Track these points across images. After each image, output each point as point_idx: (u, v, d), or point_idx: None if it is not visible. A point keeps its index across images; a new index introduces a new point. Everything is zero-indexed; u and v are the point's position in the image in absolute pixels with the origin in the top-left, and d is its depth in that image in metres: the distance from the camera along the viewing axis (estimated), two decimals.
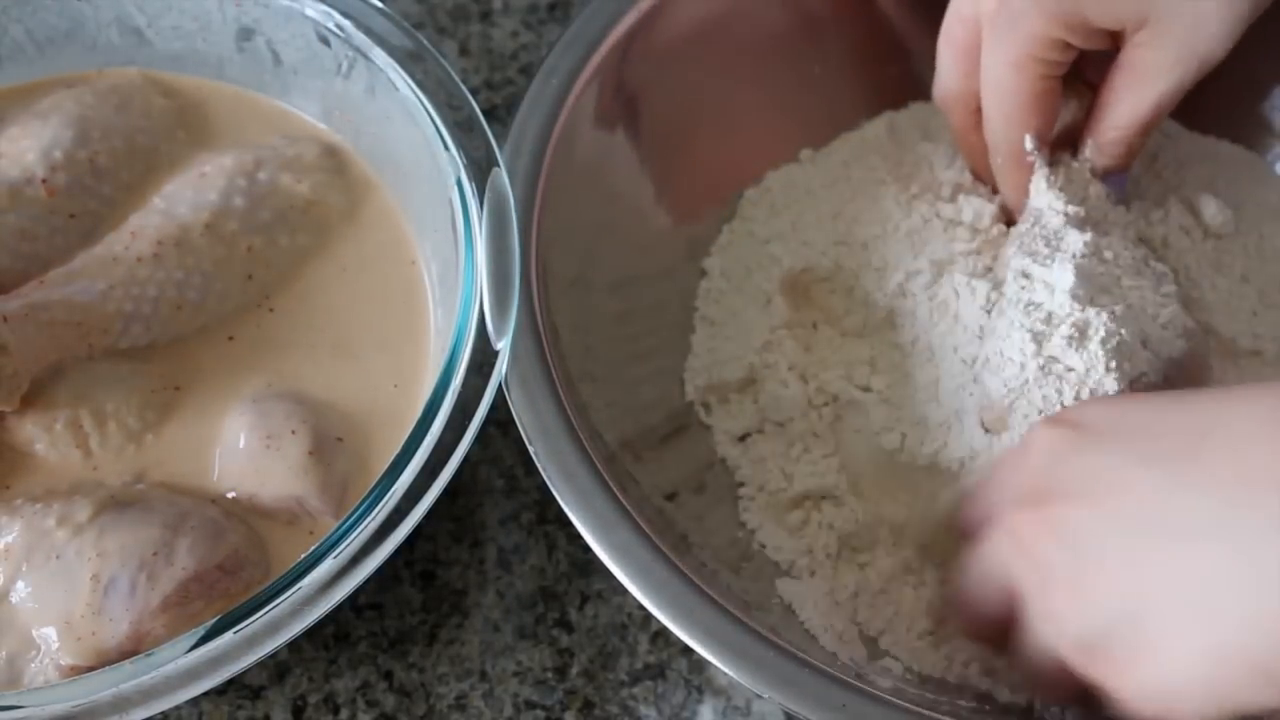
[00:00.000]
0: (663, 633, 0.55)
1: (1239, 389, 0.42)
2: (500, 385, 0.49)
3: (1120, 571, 0.40)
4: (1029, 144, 0.53)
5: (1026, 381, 0.50)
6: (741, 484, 0.55)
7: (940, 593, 0.52)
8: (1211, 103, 0.57)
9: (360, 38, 0.55)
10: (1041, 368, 0.50)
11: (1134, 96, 0.52)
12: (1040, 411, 0.50)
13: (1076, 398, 0.49)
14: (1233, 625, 0.38)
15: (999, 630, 0.46)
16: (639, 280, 0.58)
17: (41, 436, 0.50)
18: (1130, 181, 0.57)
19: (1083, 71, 0.56)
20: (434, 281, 0.55)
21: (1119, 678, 0.41)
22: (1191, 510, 0.39)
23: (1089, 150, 0.55)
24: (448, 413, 0.47)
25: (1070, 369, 0.49)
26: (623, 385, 0.55)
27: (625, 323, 0.57)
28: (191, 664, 0.43)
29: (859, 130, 0.63)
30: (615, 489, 0.49)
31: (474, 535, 0.57)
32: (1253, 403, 0.40)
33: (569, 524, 0.48)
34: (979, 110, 0.55)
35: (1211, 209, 0.58)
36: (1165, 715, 0.40)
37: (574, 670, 0.54)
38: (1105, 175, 0.55)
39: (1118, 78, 0.53)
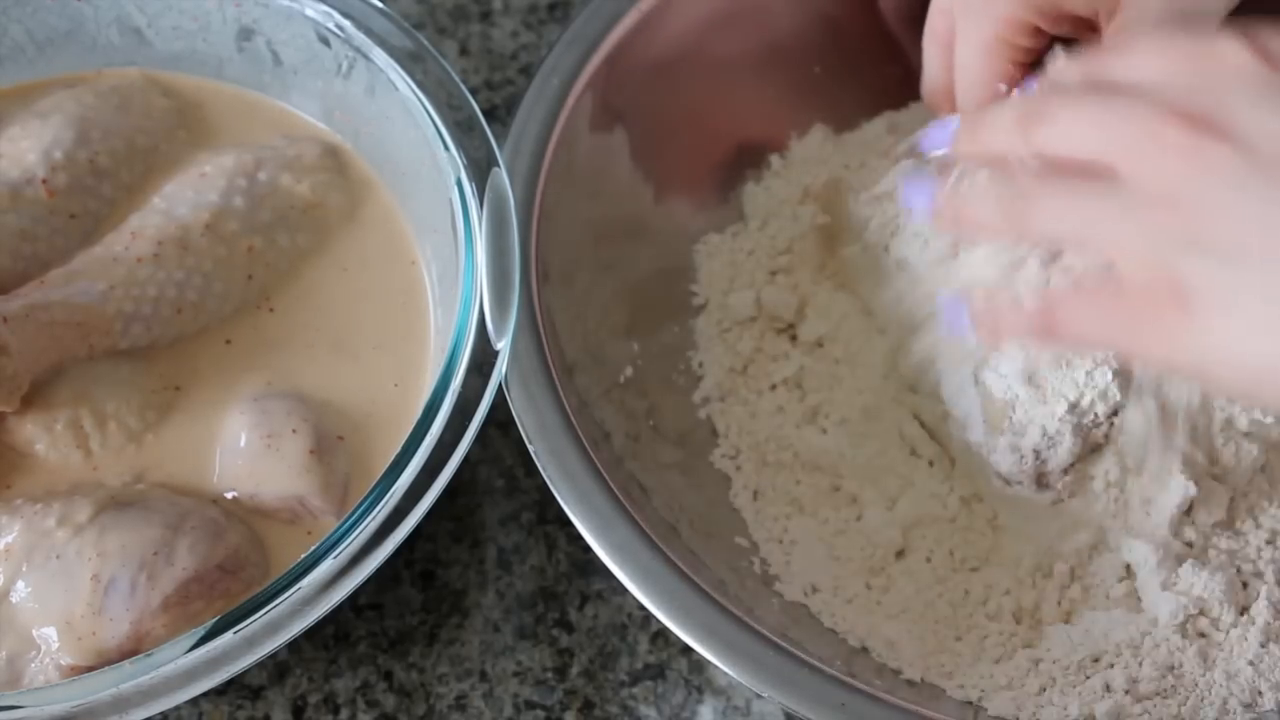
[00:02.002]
0: (663, 633, 0.55)
1: None
2: (500, 385, 0.49)
3: (1246, 225, 0.39)
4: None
5: None
6: (742, 485, 0.55)
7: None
8: None
9: (360, 38, 0.55)
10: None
11: None
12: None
13: None
14: None
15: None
16: (640, 280, 0.58)
17: (42, 437, 0.50)
18: None
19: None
20: (434, 281, 0.55)
21: (1177, 314, 0.40)
22: None
23: None
24: (448, 412, 0.47)
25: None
26: (623, 386, 0.55)
27: (626, 323, 0.57)
28: (191, 664, 0.43)
29: (859, 131, 0.63)
30: (615, 489, 0.49)
31: (474, 535, 0.57)
32: None
33: (569, 524, 0.48)
34: None
35: None
36: (1199, 369, 0.41)
37: (574, 670, 0.54)
38: None
39: None
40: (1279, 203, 0.39)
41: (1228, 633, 0.50)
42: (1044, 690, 0.49)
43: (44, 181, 0.54)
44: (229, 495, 0.50)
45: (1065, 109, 0.43)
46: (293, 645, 0.49)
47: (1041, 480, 0.51)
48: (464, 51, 0.70)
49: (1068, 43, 0.53)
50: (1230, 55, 0.41)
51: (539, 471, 0.49)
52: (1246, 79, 0.40)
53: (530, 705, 0.53)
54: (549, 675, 0.54)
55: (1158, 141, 0.41)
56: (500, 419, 0.57)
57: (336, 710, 0.53)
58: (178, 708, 0.50)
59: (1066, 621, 0.51)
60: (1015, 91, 0.53)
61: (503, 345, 0.49)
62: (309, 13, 0.56)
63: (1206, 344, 0.40)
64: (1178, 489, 0.50)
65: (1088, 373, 0.50)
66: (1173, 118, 0.40)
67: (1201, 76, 0.41)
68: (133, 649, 0.46)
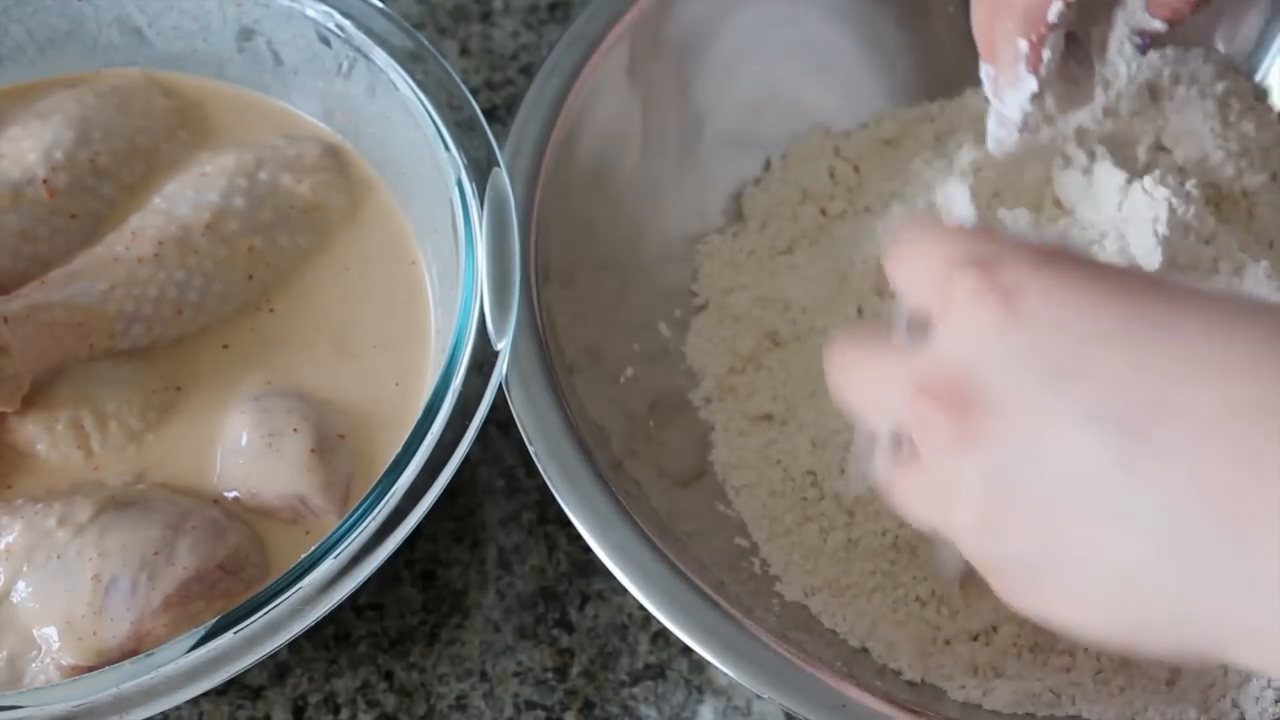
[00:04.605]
0: (663, 633, 0.55)
1: (1225, 325, 0.34)
2: (500, 385, 0.49)
3: (1039, 512, 0.35)
4: (1053, 13, 0.50)
5: None
6: (742, 485, 0.55)
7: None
8: None
9: (361, 38, 0.55)
10: None
11: None
12: None
13: None
14: (1159, 610, 0.35)
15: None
16: (640, 280, 0.58)
17: (43, 437, 0.50)
18: None
19: None
20: (435, 281, 0.55)
21: (1022, 596, 0.37)
22: (1127, 493, 0.34)
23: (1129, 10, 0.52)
24: (448, 412, 0.47)
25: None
26: (623, 386, 0.55)
27: (626, 323, 0.57)
28: (192, 664, 0.43)
29: (859, 130, 0.63)
30: (615, 489, 0.49)
31: (474, 535, 0.57)
32: (1229, 376, 0.34)
33: (569, 524, 0.48)
34: None
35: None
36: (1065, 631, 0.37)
37: (574, 670, 0.54)
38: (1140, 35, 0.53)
39: None
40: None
41: None
42: (1049, 692, 0.49)
43: (45, 181, 0.54)
44: (230, 495, 0.51)
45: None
46: (293, 645, 0.49)
47: None
48: (464, 51, 0.70)
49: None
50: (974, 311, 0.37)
51: (539, 471, 0.49)
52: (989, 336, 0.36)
53: (531, 705, 0.53)
54: (549, 675, 0.54)
55: (925, 426, 0.37)
56: (500, 419, 0.57)
57: (337, 710, 0.53)
58: (178, 708, 0.50)
59: None
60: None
61: (503, 345, 0.49)
62: (309, 13, 0.56)
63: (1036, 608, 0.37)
64: None
65: None
66: (929, 399, 0.37)
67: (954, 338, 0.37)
68: (133, 649, 0.46)
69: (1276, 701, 0.47)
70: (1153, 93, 0.60)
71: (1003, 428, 0.36)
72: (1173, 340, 0.35)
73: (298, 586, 0.44)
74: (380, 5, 0.56)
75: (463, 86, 0.54)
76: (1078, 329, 0.35)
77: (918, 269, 0.39)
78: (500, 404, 0.49)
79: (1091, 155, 0.57)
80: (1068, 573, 0.36)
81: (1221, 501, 0.33)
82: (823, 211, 0.60)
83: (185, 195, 0.55)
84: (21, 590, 0.47)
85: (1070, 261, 0.37)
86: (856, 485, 0.52)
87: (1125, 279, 0.36)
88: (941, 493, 0.38)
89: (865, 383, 0.40)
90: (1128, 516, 0.34)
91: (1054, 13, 0.49)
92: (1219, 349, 0.34)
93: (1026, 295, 0.36)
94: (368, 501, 0.46)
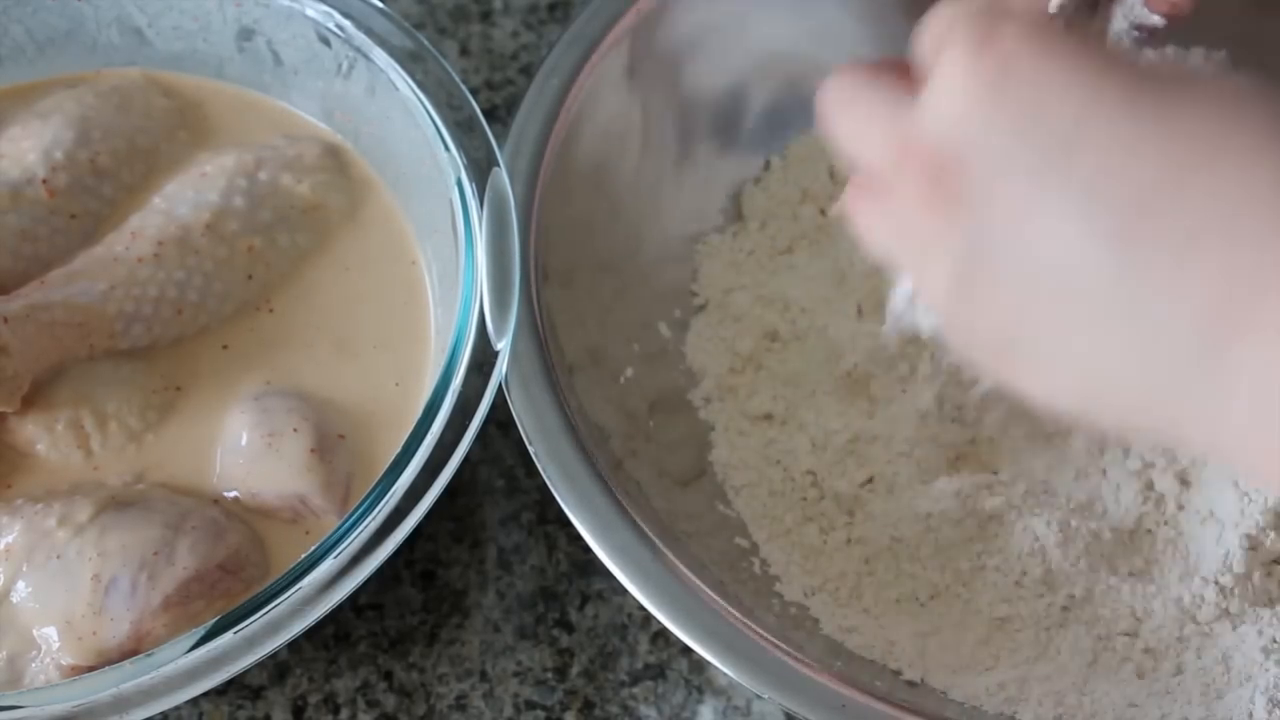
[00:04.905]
0: (663, 633, 0.55)
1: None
2: (500, 385, 0.49)
3: (1017, 286, 0.35)
4: (1053, 4, 0.46)
5: None
6: (742, 485, 0.55)
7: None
8: None
9: (360, 38, 0.55)
10: None
11: None
12: None
13: None
14: (1124, 392, 0.35)
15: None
16: (639, 280, 0.58)
17: (43, 437, 0.50)
18: None
19: None
20: (434, 281, 0.55)
21: (983, 360, 0.38)
22: (1110, 276, 0.33)
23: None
24: (448, 412, 0.47)
25: None
26: (623, 385, 0.55)
27: (626, 323, 0.57)
28: (191, 664, 0.43)
29: None
30: (615, 489, 0.49)
31: (474, 535, 0.57)
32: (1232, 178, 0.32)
33: (569, 524, 0.48)
34: None
35: None
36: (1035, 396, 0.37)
37: (574, 670, 0.54)
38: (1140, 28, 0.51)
39: None
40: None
41: (1236, 628, 0.50)
42: (1048, 693, 0.49)
43: (44, 181, 0.54)
44: (230, 495, 0.51)
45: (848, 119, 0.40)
46: (293, 645, 0.49)
47: None
48: (464, 51, 0.70)
49: None
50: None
51: (539, 471, 0.49)
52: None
53: (530, 705, 0.53)
54: (549, 675, 0.54)
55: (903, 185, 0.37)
56: (500, 419, 0.57)
57: (336, 710, 0.53)
58: (178, 708, 0.50)
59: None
60: None
61: (503, 345, 0.49)
62: (309, 13, 0.56)
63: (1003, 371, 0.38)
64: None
65: None
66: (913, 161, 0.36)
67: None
68: (133, 649, 0.46)
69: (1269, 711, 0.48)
70: None
71: (990, 196, 0.35)
72: (1176, 117, 0.33)
73: (298, 586, 0.44)
74: (380, 5, 0.56)
75: (463, 86, 0.54)
76: (1078, 97, 0.34)
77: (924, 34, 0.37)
78: (500, 404, 0.49)
79: None
80: (1036, 346, 0.35)
81: (1205, 305, 0.32)
82: (822, 211, 0.60)
83: (185, 195, 0.55)
84: (21, 590, 0.47)
85: (1073, 36, 0.36)
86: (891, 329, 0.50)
87: (1129, 56, 0.35)
88: (914, 241, 0.37)
89: (853, 120, 0.39)
90: (1107, 301, 0.33)
91: (1054, 4, 0.49)
92: (1225, 128, 0.33)
93: (1025, 58, 0.34)
94: (368, 501, 0.46)
